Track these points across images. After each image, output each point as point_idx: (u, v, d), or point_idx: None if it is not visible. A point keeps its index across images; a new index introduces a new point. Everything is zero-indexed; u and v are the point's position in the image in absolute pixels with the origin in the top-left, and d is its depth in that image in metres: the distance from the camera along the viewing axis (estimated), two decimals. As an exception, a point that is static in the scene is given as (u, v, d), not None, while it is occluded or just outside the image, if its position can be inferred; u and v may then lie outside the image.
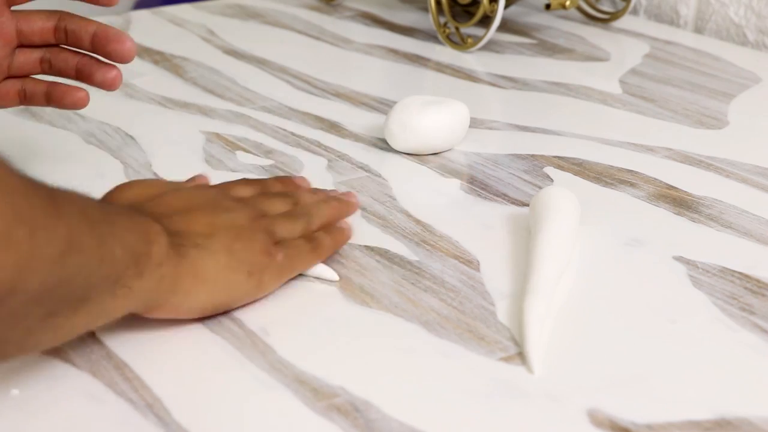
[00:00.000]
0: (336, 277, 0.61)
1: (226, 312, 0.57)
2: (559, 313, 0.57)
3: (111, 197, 0.59)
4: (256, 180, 0.67)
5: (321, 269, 0.61)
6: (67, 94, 0.71)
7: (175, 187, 0.62)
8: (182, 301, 0.54)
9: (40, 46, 0.70)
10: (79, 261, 0.46)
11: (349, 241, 0.64)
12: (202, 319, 0.56)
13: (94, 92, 0.71)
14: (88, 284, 0.47)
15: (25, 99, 0.71)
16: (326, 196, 0.66)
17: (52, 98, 0.71)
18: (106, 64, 0.69)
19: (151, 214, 0.54)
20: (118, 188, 0.60)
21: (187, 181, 0.67)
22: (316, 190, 0.67)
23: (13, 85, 0.71)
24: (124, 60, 0.68)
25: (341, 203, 0.65)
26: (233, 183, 0.65)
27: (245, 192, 0.64)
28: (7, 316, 0.43)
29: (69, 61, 0.70)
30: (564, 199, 0.65)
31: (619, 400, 0.50)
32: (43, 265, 0.43)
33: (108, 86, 0.70)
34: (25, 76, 0.71)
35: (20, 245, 0.42)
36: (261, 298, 0.58)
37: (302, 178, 0.69)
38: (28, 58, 0.71)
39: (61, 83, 0.71)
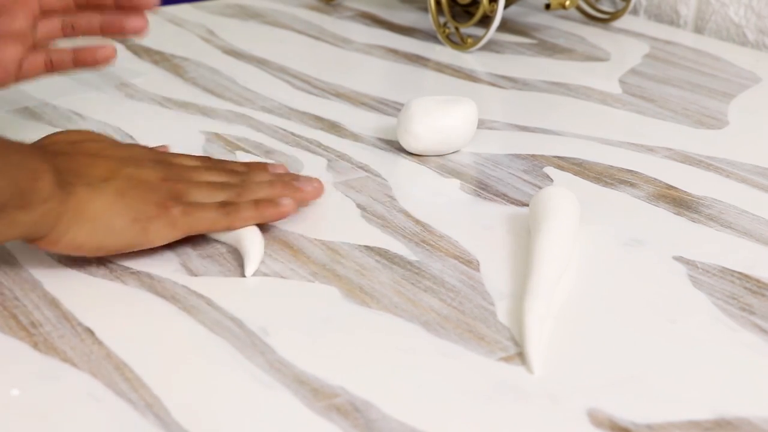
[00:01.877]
0: (250, 270, 0.60)
1: (111, 257, 0.60)
2: (559, 313, 0.57)
3: (44, 139, 0.63)
4: (216, 159, 0.69)
5: (248, 245, 0.61)
6: (97, 52, 0.72)
7: (106, 140, 0.65)
8: (61, 236, 0.57)
9: (58, 13, 0.71)
10: None
11: (349, 241, 0.64)
12: (202, 318, 0.56)
13: (94, 92, 0.71)
14: None
15: (52, 68, 0.72)
16: (280, 178, 0.67)
17: (81, 60, 0.72)
18: (133, 12, 0.71)
19: (58, 154, 0.59)
20: (58, 133, 0.64)
21: (149, 149, 0.68)
22: (279, 174, 0.68)
23: (39, 56, 0.71)
24: (150, 4, 0.70)
25: (287, 187, 0.66)
26: (183, 154, 0.68)
27: (186, 161, 0.66)
28: None
29: (93, 20, 0.72)
30: (563, 199, 0.65)
31: (619, 400, 0.50)
32: None
33: (140, 32, 0.71)
34: (46, 44, 0.72)
35: None
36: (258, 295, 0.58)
37: (281, 165, 0.70)
38: (50, 25, 0.71)
39: (85, 45, 0.72)
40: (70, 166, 0.58)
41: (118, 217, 0.58)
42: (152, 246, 0.60)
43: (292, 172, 0.71)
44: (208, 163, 0.67)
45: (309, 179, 0.68)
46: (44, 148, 0.60)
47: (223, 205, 0.62)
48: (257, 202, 0.63)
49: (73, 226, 0.57)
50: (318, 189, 0.68)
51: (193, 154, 0.70)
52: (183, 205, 0.61)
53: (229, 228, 0.62)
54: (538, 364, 0.52)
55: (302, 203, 0.67)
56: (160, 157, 0.65)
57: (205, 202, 0.62)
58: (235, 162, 0.69)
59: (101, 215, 0.58)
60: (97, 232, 0.58)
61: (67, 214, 0.57)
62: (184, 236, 0.62)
